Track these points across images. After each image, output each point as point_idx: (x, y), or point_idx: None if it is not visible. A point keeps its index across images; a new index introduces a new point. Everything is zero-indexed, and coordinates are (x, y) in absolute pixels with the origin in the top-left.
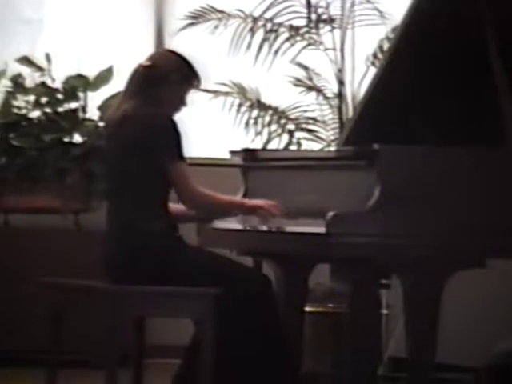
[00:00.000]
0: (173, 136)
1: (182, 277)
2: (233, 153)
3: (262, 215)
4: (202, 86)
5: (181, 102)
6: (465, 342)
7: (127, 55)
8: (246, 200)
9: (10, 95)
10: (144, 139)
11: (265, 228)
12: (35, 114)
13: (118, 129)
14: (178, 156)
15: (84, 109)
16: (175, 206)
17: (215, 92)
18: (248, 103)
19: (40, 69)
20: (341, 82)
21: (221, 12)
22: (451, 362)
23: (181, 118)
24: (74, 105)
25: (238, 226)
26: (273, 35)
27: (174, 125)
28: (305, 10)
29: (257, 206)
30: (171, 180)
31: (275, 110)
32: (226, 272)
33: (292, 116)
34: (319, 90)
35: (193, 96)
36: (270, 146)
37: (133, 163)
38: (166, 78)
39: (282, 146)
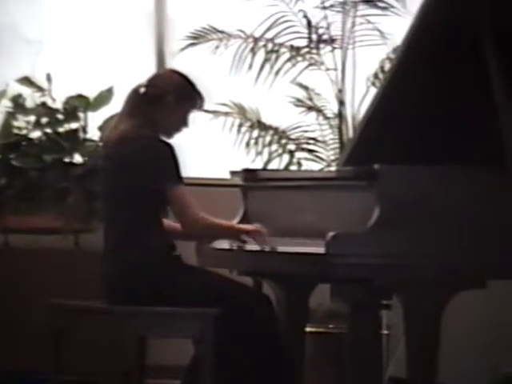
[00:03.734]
0: (169, 160)
1: (181, 296)
2: (233, 173)
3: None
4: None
5: (181, 123)
6: (466, 362)
7: (128, 76)
8: (241, 225)
9: (11, 115)
10: (140, 162)
11: (259, 248)
12: (35, 134)
13: (115, 149)
14: (176, 180)
15: (84, 129)
16: (172, 224)
17: (215, 112)
18: (248, 123)
19: (40, 89)
20: (341, 103)
21: (222, 32)
22: (452, 382)
23: (181, 137)
24: (74, 125)
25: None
26: (274, 55)
27: (170, 149)
28: (306, 31)
29: (246, 231)
30: (170, 204)
31: (276, 130)
32: (226, 292)
33: (292, 136)
34: (319, 110)
35: (193, 116)
36: (271, 166)
37: (129, 183)
38: (162, 99)
39: (282, 166)
